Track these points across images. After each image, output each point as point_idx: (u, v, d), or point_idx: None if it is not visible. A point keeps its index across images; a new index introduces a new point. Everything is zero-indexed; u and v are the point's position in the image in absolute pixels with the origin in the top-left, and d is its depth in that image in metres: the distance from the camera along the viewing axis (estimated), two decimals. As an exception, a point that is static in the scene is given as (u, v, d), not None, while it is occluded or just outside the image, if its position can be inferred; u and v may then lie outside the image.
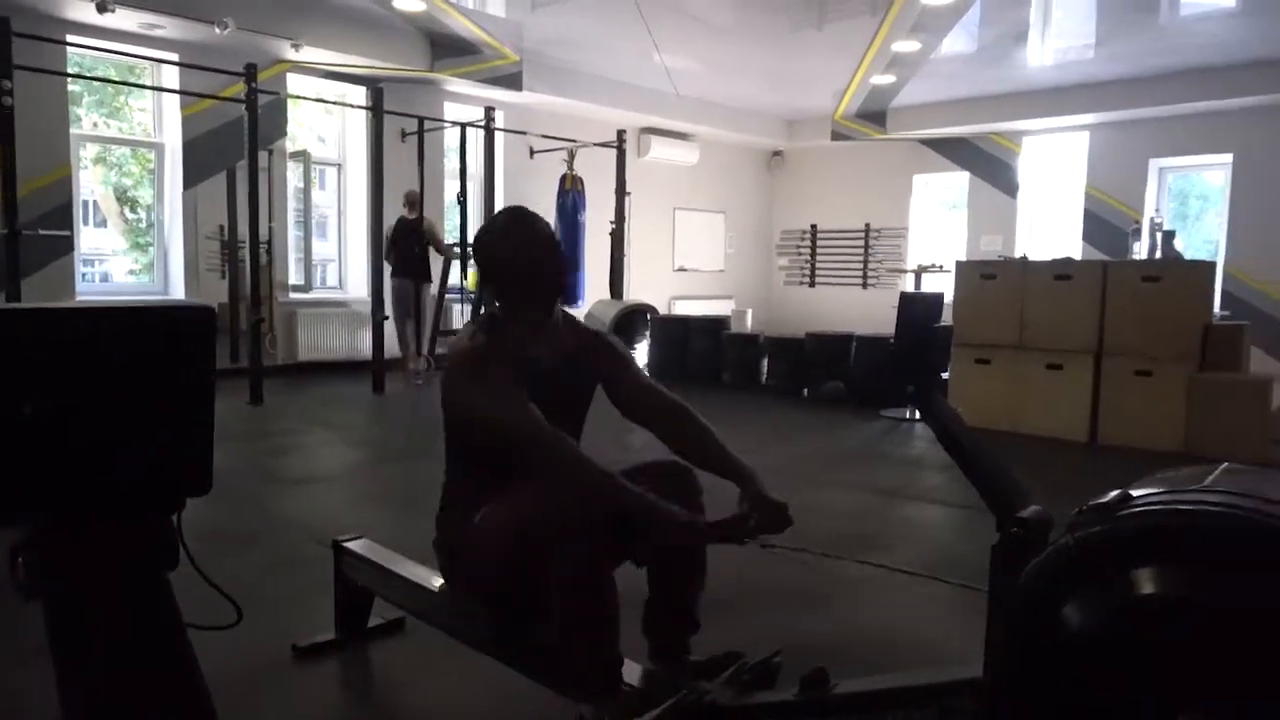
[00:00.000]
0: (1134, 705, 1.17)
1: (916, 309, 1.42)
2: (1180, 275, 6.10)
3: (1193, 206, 11.56)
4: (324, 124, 9.96)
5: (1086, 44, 9.04)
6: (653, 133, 12.05)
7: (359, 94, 9.12)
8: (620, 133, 9.83)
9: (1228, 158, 10.35)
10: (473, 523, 2.02)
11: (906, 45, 9.05)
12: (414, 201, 8.45)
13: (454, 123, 9.16)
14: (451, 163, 10.00)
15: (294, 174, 8.99)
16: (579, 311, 9.65)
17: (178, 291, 8.30)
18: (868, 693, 1.57)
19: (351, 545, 2.69)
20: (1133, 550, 1.18)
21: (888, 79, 10.50)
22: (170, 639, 1.43)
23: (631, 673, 2.00)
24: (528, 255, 2.09)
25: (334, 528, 2.90)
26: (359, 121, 9.40)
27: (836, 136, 12.74)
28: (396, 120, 8.39)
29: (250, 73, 6.81)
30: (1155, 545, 1.17)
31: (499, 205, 9.88)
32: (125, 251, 9.08)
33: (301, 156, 8.88)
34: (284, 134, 8.68)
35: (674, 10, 7.96)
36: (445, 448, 2.18)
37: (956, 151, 12.47)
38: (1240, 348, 6.01)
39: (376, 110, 7.80)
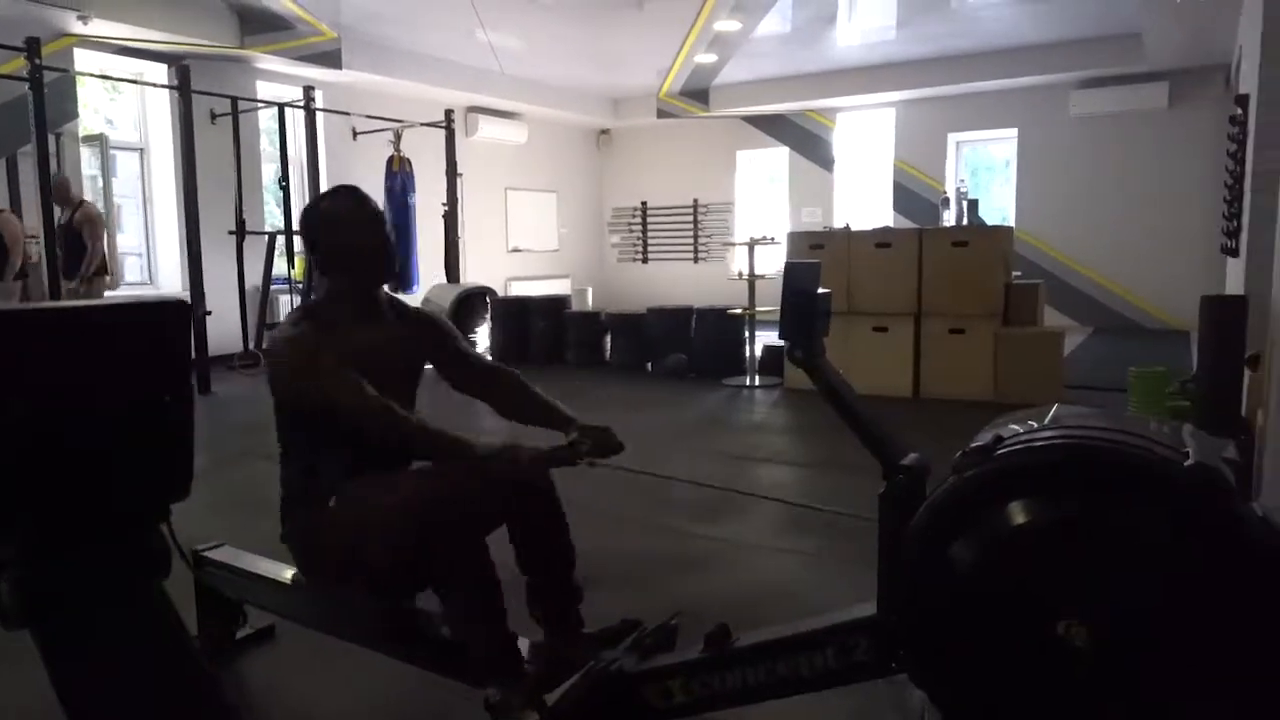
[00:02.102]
0: (1018, 620, 1.32)
1: (799, 276, 1.51)
2: (985, 240, 6.66)
3: (982, 177, 12.63)
4: (116, 106, 9.12)
5: (889, 25, 9.66)
6: (480, 112, 11.83)
7: (160, 72, 8.42)
8: (448, 112, 9.59)
9: (1013, 132, 11.38)
10: (330, 510, 2.02)
11: (727, 25, 9.33)
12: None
13: (269, 102, 8.64)
14: (269, 145, 9.43)
15: (87, 160, 8.20)
16: (414, 297, 9.39)
17: (-43, 294, 7.40)
18: (770, 642, 1.66)
19: (212, 554, 2.55)
20: (1012, 483, 1.32)
21: (710, 58, 10.80)
22: (178, 651, 1.32)
23: (531, 652, 2.02)
24: (352, 232, 2.10)
25: (182, 539, 2.71)
26: (162, 102, 8.68)
27: (662, 114, 12.98)
28: (205, 100, 7.81)
29: (33, 47, 6.13)
30: (1030, 477, 1.32)
31: (324, 189, 9.42)
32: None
33: (98, 141, 8.11)
34: (75, 115, 7.89)
35: (496, -15, 7.84)
36: (279, 440, 2.13)
37: (776, 128, 13.01)
38: (1036, 304, 6.67)
39: (183, 89, 7.22)
